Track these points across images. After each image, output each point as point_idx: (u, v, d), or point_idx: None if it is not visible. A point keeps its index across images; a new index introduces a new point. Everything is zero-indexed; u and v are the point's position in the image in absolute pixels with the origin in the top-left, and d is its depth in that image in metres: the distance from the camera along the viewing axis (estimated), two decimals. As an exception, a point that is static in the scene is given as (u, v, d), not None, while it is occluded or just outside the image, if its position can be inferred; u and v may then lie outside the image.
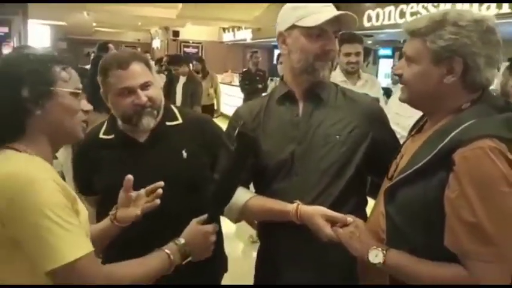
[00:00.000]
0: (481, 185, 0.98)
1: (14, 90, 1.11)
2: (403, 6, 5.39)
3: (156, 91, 1.60)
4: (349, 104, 1.48)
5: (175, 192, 1.54)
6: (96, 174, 1.62)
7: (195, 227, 1.33)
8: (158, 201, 1.39)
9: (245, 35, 12.19)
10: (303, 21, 1.38)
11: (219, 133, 1.75)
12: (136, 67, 1.56)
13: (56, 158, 2.96)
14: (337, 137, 1.41)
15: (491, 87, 1.18)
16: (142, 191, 1.39)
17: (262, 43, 12.77)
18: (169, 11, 9.05)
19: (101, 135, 1.65)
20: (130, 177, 1.36)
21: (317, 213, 1.31)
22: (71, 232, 1.01)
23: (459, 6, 4.73)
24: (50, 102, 1.15)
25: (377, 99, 2.27)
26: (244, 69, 7.54)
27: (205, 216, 1.34)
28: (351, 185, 1.42)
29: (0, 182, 1.02)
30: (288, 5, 1.45)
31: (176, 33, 13.68)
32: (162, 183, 1.40)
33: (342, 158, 1.41)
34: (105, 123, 1.68)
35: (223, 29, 13.56)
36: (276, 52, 14.41)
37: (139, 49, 11.80)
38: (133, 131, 1.61)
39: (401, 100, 1.24)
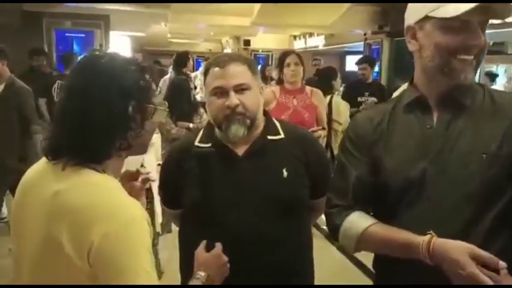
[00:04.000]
0: None
1: (123, 107, 1.01)
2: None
3: (254, 98, 1.44)
4: (500, 111, 1.17)
5: (272, 213, 1.41)
6: (185, 186, 1.47)
7: (203, 255, 1.31)
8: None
9: (317, 42, 11.95)
10: (439, 11, 1.12)
11: (323, 152, 1.60)
12: (235, 67, 1.42)
13: (142, 165, 2.92)
14: (483, 155, 1.12)
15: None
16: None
17: (335, 49, 12.48)
18: (242, 19, 9.05)
19: (197, 143, 1.50)
20: None
21: (460, 248, 1.03)
22: (152, 276, 0.95)
23: None
24: (148, 120, 1.07)
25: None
26: (308, 77, 7.37)
27: (204, 242, 1.32)
28: (504, 216, 1.12)
29: (94, 213, 0.92)
30: None
31: (247, 42, 13.72)
32: None
33: (491, 181, 1.11)
34: (202, 130, 1.55)
35: (294, 37, 13.42)
36: (348, 58, 14.09)
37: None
38: (231, 141, 1.45)
39: None
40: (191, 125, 3.82)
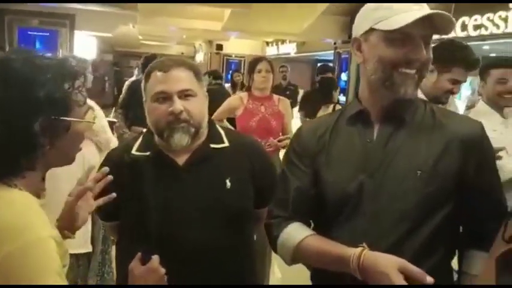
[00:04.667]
0: None
1: (27, 123, 0.91)
2: (465, 18, 5.00)
3: (199, 105, 1.38)
4: (439, 129, 1.17)
5: (215, 223, 1.36)
6: (122, 197, 1.39)
7: (139, 269, 1.23)
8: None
9: (289, 49, 12.00)
10: (383, 23, 1.12)
11: (269, 161, 1.55)
12: (179, 72, 1.36)
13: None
14: (419, 172, 1.12)
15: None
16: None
17: (306, 57, 12.56)
18: (214, 24, 8.98)
19: (134, 152, 1.43)
20: None
21: (390, 261, 1.01)
22: None
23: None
24: (63, 136, 0.97)
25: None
26: (275, 84, 7.34)
27: (139, 255, 1.24)
28: (438, 234, 1.12)
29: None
30: (369, 5, 1.18)
31: (220, 47, 13.67)
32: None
33: (426, 198, 1.11)
34: (140, 138, 1.47)
35: (267, 43, 13.44)
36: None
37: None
38: (172, 150, 1.39)
39: None
40: (145, 130, 3.67)
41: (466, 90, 7.97)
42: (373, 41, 1.16)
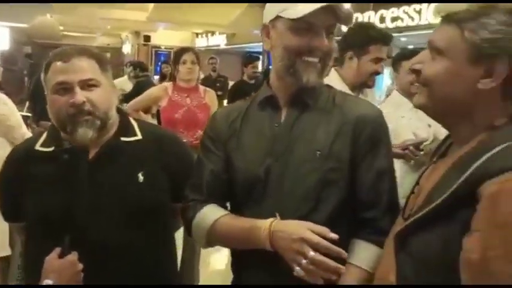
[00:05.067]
0: (506, 231, 0.75)
1: None
2: (383, 11, 5.24)
3: (104, 96, 1.31)
4: (336, 112, 1.22)
5: (127, 220, 1.31)
6: (27, 196, 1.32)
7: (56, 262, 1.20)
8: None
9: (219, 41, 11.95)
10: (287, 12, 1.15)
11: (186, 153, 1.51)
12: (80, 62, 1.29)
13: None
14: (318, 152, 1.16)
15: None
16: None
17: (236, 49, 12.58)
18: (139, 14, 8.71)
19: (38, 147, 1.35)
20: None
21: (298, 224, 1.09)
22: None
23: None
24: None
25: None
26: (204, 76, 7.27)
27: (58, 249, 1.21)
28: (340, 212, 1.17)
29: None
30: None
31: (147, 38, 13.35)
32: None
33: (325, 179, 1.16)
34: (45, 133, 1.39)
35: (197, 34, 13.30)
36: (250, 58, 14.30)
37: (108, 54, 11.43)
38: (78, 144, 1.32)
39: (417, 105, 0.99)
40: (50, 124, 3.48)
41: (386, 79, 8.39)
42: (279, 28, 1.19)
